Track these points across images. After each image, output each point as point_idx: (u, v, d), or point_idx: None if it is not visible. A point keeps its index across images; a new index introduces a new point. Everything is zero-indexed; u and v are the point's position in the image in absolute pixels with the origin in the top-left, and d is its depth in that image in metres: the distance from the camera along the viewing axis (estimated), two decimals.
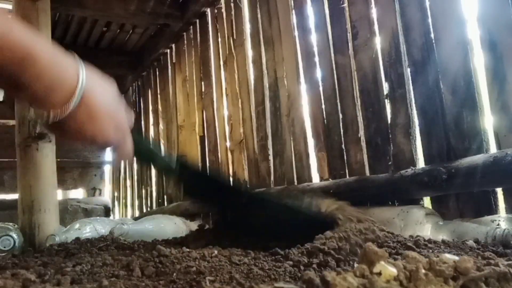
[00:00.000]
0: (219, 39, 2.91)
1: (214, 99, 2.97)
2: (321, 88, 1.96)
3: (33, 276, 0.78)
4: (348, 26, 1.81)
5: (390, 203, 1.58)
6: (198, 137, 3.19)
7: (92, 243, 1.52)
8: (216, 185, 1.18)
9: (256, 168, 2.42)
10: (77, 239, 1.67)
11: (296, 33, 2.13)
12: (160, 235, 1.69)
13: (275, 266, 0.80)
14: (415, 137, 1.54)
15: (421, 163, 1.51)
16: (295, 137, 2.12)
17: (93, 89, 0.73)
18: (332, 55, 1.90)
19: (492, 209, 1.31)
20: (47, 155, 1.96)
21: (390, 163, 1.61)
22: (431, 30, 1.46)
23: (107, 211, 4.64)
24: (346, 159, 1.81)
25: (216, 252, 0.93)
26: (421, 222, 1.29)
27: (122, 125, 0.82)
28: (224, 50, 2.82)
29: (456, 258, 0.53)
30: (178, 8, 3.31)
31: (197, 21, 3.23)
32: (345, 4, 1.82)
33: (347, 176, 1.79)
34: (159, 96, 4.01)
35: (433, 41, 1.45)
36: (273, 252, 0.90)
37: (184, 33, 3.45)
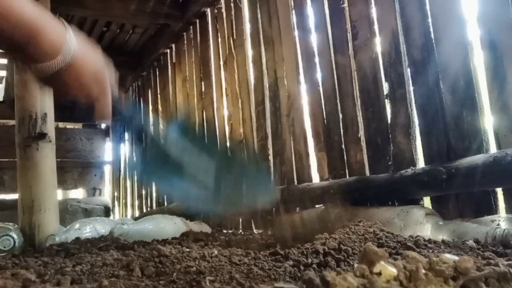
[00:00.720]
0: (219, 39, 2.91)
1: (214, 99, 2.97)
2: (321, 88, 1.96)
3: (33, 276, 0.78)
4: (348, 26, 1.81)
5: (390, 203, 1.58)
6: None
7: (92, 243, 1.52)
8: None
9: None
10: (77, 239, 1.67)
11: (296, 33, 2.13)
12: (160, 235, 1.69)
13: (275, 266, 0.80)
14: (415, 137, 1.53)
15: (421, 163, 1.51)
16: (295, 137, 2.12)
17: (80, 50, 0.79)
18: (332, 55, 1.90)
19: (492, 209, 1.30)
20: (47, 155, 1.96)
21: (390, 163, 1.60)
22: (431, 30, 1.46)
23: (107, 211, 4.64)
24: (346, 159, 1.81)
25: (216, 252, 0.93)
26: (421, 222, 1.29)
27: (104, 85, 0.88)
28: (224, 50, 2.82)
29: (456, 258, 0.53)
30: (178, 8, 3.31)
31: (197, 21, 3.23)
32: (345, 4, 1.82)
33: (347, 176, 1.79)
34: (159, 96, 4.01)
35: (433, 41, 1.45)
36: (273, 252, 0.90)
37: (184, 33, 3.45)
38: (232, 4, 2.73)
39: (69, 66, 0.77)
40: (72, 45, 0.77)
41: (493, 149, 1.30)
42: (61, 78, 0.78)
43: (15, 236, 1.74)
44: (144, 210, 4.21)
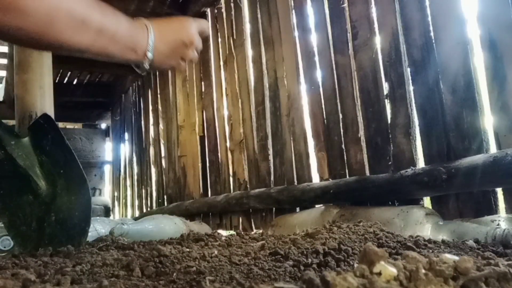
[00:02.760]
0: (219, 39, 2.91)
1: (214, 99, 2.97)
2: (321, 88, 1.96)
3: (33, 276, 0.78)
4: (348, 26, 1.81)
5: (390, 203, 1.58)
6: (198, 137, 3.20)
7: (92, 244, 1.52)
8: None
9: (256, 168, 2.42)
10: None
11: (296, 33, 2.13)
12: (160, 235, 1.69)
13: (275, 266, 0.80)
14: (415, 137, 1.53)
15: (421, 163, 1.51)
16: (295, 137, 2.12)
17: (160, 39, 1.00)
18: (332, 55, 1.90)
19: (492, 209, 1.30)
20: None
21: (390, 163, 1.60)
22: (431, 30, 1.46)
23: (107, 211, 4.65)
24: (346, 159, 1.81)
25: (216, 252, 0.93)
26: (421, 222, 1.29)
27: (184, 46, 1.08)
28: (224, 50, 2.82)
29: (456, 258, 0.53)
30: (178, 8, 3.31)
31: None
32: (345, 4, 1.82)
33: (347, 176, 1.79)
34: (159, 96, 4.01)
35: (433, 41, 1.45)
36: (273, 252, 0.90)
37: None
38: (232, 4, 2.73)
39: (155, 55, 0.99)
40: (152, 40, 0.98)
41: (493, 149, 1.30)
42: (156, 63, 1.01)
43: None
44: (144, 210, 4.21)
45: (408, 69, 1.55)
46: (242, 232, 1.35)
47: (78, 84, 5.15)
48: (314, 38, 2.01)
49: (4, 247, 1.70)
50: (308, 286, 0.48)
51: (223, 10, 2.85)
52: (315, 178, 2.00)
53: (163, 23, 1.05)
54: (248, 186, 2.49)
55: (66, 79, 4.96)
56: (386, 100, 1.64)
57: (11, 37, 0.79)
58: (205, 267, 0.79)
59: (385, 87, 1.64)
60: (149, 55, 0.98)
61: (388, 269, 0.49)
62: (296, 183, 2.09)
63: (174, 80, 3.66)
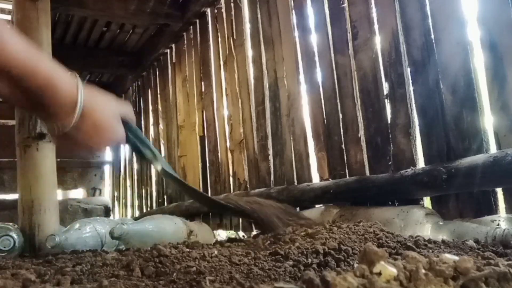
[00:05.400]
0: (219, 39, 2.91)
1: (214, 99, 2.97)
2: (321, 88, 1.96)
3: (33, 276, 0.78)
4: (348, 26, 1.81)
5: (390, 203, 1.58)
6: (198, 137, 3.19)
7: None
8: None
9: (256, 168, 2.42)
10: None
11: (296, 33, 2.13)
12: (160, 235, 1.69)
13: (275, 266, 0.80)
14: (415, 137, 1.53)
15: (421, 163, 1.51)
16: (295, 137, 2.12)
17: (92, 103, 0.83)
18: (332, 55, 1.90)
19: (492, 209, 1.30)
20: (47, 155, 1.96)
21: (390, 163, 1.60)
22: (431, 30, 1.46)
23: (107, 211, 4.64)
24: (346, 159, 1.81)
25: (216, 252, 0.93)
26: (421, 222, 1.29)
27: (114, 131, 0.91)
28: (224, 50, 2.82)
29: (456, 258, 0.53)
30: (178, 8, 3.31)
31: (197, 21, 3.23)
32: (345, 4, 1.82)
33: (347, 176, 1.79)
34: (159, 96, 4.01)
35: (433, 41, 1.45)
36: (273, 252, 0.90)
37: (184, 33, 3.45)
38: (232, 4, 2.73)
39: (82, 118, 0.80)
40: (83, 96, 0.80)
41: (493, 149, 1.30)
42: (75, 131, 0.81)
43: (15, 236, 1.74)
44: (144, 210, 4.21)
45: (408, 69, 1.55)
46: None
47: None
48: (314, 38, 2.01)
49: (4, 247, 1.70)
50: (308, 286, 0.48)
51: (223, 10, 2.85)
52: (315, 178, 2.00)
53: (89, 86, 0.86)
54: (248, 186, 2.49)
55: None
56: (386, 100, 1.64)
57: None
58: (205, 267, 0.79)
59: (385, 87, 1.64)
60: (80, 104, 0.79)
61: (388, 269, 0.49)
62: (296, 183, 2.09)
63: (174, 80, 3.66)
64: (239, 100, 2.62)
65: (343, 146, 1.83)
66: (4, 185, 4.46)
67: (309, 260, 0.83)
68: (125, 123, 0.97)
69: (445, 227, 1.21)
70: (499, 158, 1.16)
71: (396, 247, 0.95)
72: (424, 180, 1.36)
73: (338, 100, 1.86)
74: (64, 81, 0.79)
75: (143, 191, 4.30)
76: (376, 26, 1.68)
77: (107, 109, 0.88)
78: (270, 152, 2.30)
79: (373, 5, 1.70)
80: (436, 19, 1.44)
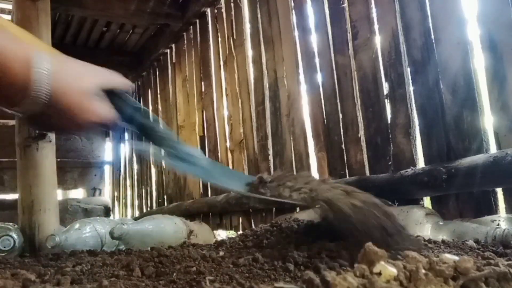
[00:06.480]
0: (219, 39, 2.91)
1: (214, 99, 2.97)
2: (321, 88, 1.96)
3: (33, 276, 0.78)
4: (348, 26, 1.81)
5: (390, 203, 1.58)
6: (198, 137, 3.20)
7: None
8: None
9: (256, 168, 2.42)
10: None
11: (296, 33, 2.13)
12: (160, 235, 1.69)
13: (275, 266, 0.80)
14: (415, 137, 1.54)
15: (421, 163, 1.51)
16: (295, 137, 2.12)
17: (59, 81, 0.70)
18: (332, 55, 1.90)
19: (492, 209, 1.30)
20: (47, 155, 1.96)
21: (390, 163, 1.61)
22: (431, 30, 1.46)
23: (107, 211, 4.64)
24: (346, 159, 1.81)
25: (218, 252, 0.93)
26: (421, 222, 1.29)
27: (98, 112, 0.78)
28: (224, 50, 2.82)
29: (456, 258, 0.53)
30: (178, 8, 3.31)
31: (197, 21, 3.23)
32: (345, 4, 1.82)
33: (347, 176, 1.79)
34: (159, 96, 4.01)
35: (433, 41, 1.45)
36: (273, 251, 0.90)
37: (184, 33, 3.45)
38: (232, 4, 2.73)
39: (50, 97, 0.69)
40: (42, 76, 0.68)
41: (493, 149, 1.30)
42: (40, 115, 0.70)
43: (15, 236, 1.74)
44: (144, 210, 4.21)
45: (408, 69, 1.55)
46: None
47: None
48: (314, 38, 2.01)
49: (4, 247, 1.70)
50: (308, 286, 0.48)
51: (223, 10, 2.85)
52: None
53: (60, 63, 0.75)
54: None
55: None
56: (386, 100, 1.64)
57: None
58: (205, 267, 0.79)
59: (385, 87, 1.64)
60: (39, 84, 0.67)
61: (388, 269, 0.49)
62: None
63: (174, 80, 3.66)
64: (239, 100, 2.62)
65: (343, 146, 1.83)
66: (4, 185, 4.46)
67: (309, 260, 0.82)
68: (113, 94, 0.82)
69: (445, 227, 1.21)
70: (499, 158, 1.16)
71: None
72: (424, 180, 1.36)
73: (338, 100, 1.86)
74: (15, 58, 0.66)
75: (143, 191, 4.30)
76: (376, 26, 1.68)
77: (78, 85, 0.74)
78: (270, 152, 2.30)
79: (373, 5, 1.70)
80: (436, 19, 1.44)
